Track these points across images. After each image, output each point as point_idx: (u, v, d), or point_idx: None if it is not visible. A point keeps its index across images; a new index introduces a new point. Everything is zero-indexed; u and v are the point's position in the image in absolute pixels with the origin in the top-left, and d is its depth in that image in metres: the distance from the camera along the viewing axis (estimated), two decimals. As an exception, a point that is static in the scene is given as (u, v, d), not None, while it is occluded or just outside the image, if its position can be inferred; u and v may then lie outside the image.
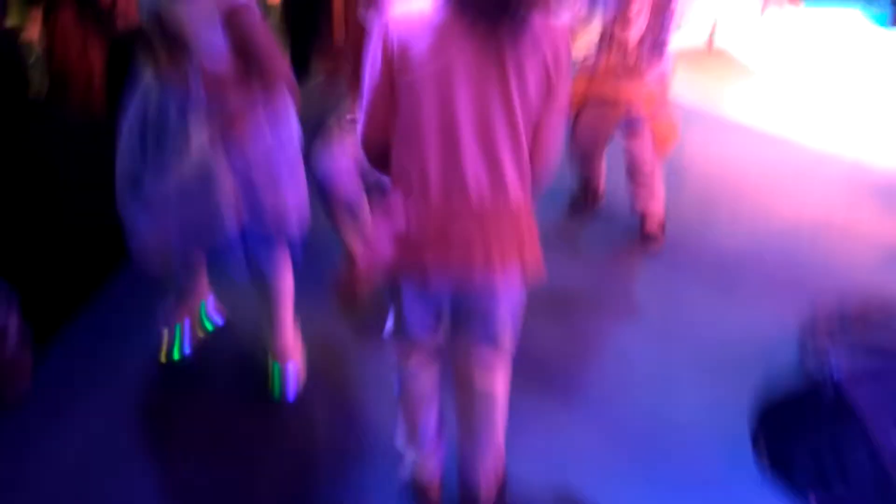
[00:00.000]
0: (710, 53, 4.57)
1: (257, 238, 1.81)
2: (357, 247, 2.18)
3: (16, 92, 2.25)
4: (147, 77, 1.66)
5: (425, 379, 1.61)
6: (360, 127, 1.38)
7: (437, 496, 1.69)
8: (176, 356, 2.10)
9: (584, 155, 2.67)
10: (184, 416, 1.95)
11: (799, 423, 1.77)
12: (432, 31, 1.24)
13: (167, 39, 1.55)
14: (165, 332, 2.10)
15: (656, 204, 2.67)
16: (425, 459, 1.67)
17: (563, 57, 1.29)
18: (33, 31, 2.24)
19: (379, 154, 1.38)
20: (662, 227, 2.71)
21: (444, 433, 1.69)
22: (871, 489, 1.61)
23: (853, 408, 1.63)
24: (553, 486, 1.78)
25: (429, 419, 1.65)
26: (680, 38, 2.47)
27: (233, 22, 1.55)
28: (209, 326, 2.20)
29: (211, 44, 1.56)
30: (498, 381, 1.57)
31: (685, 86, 3.97)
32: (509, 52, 1.25)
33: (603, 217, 2.83)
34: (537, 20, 1.26)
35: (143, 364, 2.08)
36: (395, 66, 1.26)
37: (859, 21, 4.98)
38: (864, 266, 2.63)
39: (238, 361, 2.11)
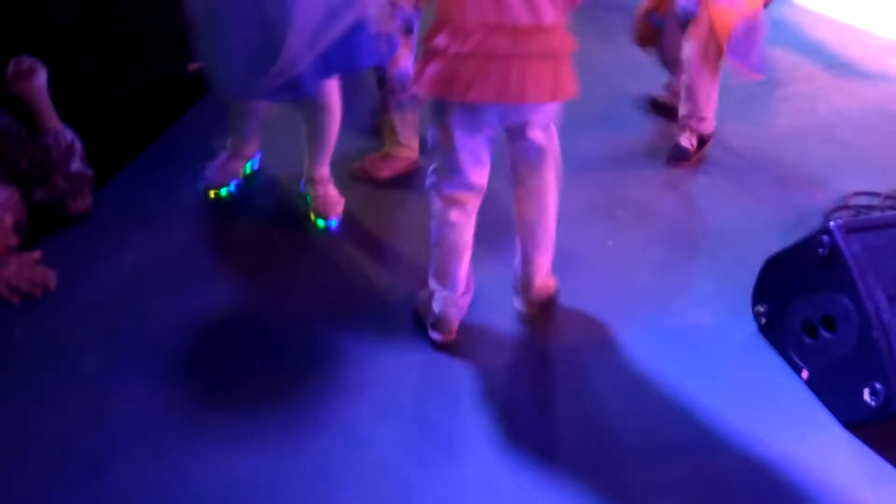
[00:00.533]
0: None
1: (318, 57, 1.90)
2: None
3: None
4: None
5: (462, 230, 1.73)
6: None
7: (455, 330, 1.82)
8: (224, 194, 2.30)
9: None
10: (228, 243, 2.16)
11: (792, 276, 1.82)
12: None
13: None
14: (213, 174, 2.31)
15: (698, 108, 2.43)
16: (455, 299, 1.80)
17: None
18: None
19: None
20: (702, 141, 2.50)
21: (473, 278, 1.84)
22: (854, 337, 1.66)
23: (843, 256, 1.67)
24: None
25: (461, 267, 1.78)
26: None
27: None
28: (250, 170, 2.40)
29: None
30: (550, 169, 1.71)
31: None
32: None
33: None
34: None
35: (196, 197, 2.29)
36: None
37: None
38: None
39: (283, 199, 2.31)
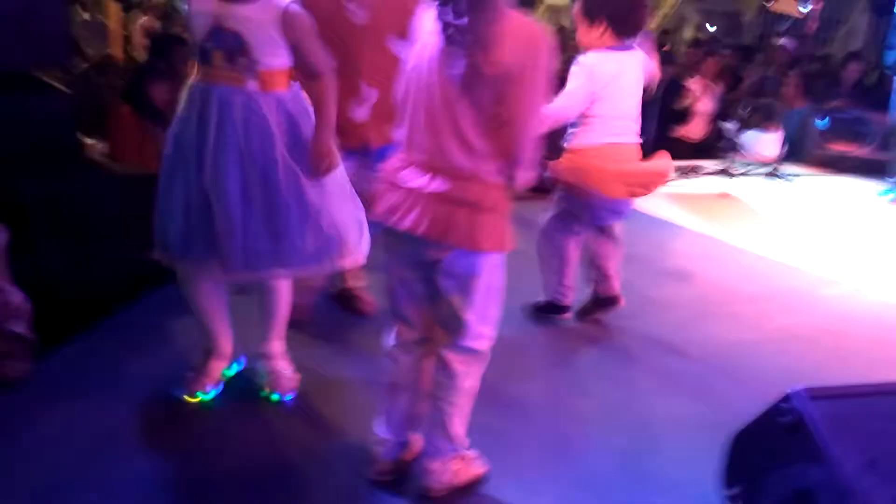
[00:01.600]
0: (721, 198, 4.82)
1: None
2: None
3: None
4: (195, 86, 1.86)
5: (402, 364, 1.73)
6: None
7: (385, 475, 1.75)
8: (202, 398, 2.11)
9: None
10: (170, 418, 2.04)
11: (761, 450, 1.75)
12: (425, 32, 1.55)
13: (226, 45, 1.80)
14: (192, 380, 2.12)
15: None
16: (385, 440, 1.75)
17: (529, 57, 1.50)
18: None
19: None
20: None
21: (417, 427, 1.77)
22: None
23: (807, 422, 1.63)
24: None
25: (399, 405, 1.74)
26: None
27: (287, 23, 1.79)
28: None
29: (269, 43, 1.80)
30: (463, 368, 1.69)
31: (694, 221, 4.22)
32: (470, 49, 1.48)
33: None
34: (507, 20, 1.48)
35: (140, 380, 2.18)
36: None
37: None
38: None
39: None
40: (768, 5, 4.90)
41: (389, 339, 1.75)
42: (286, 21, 1.79)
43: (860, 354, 2.71)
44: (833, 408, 1.65)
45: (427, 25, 1.54)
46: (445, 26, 1.47)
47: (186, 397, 2.08)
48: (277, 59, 1.83)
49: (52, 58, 2.87)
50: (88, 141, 3.57)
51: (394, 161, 1.62)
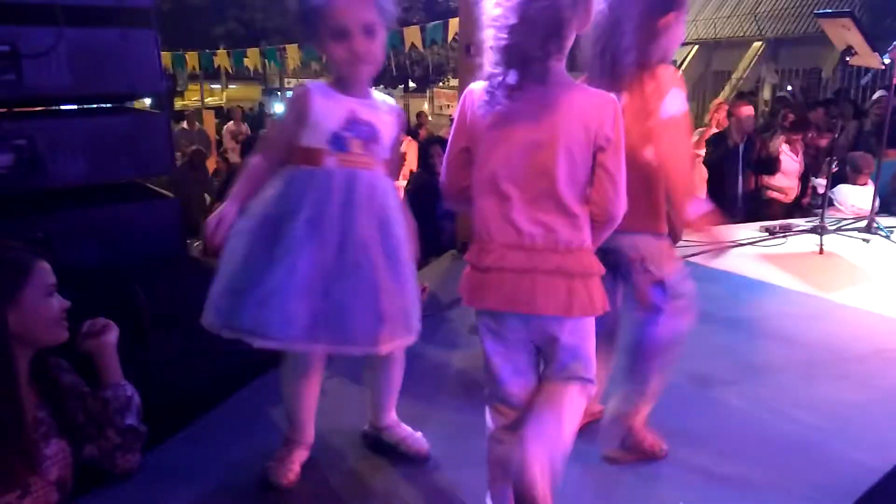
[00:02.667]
0: (816, 255, 4.64)
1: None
2: None
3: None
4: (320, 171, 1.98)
5: (508, 445, 1.66)
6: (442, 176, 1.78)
7: None
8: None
9: None
10: None
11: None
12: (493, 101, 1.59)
13: (363, 133, 2.01)
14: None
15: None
16: None
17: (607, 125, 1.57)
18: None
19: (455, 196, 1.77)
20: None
21: None
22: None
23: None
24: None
25: (507, 489, 1.68)
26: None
27: (401, 124, 2.14)
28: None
29: (389, 137, 2.06)
30: (567, 406, 1.65)
31: (790, 280, 4.06)
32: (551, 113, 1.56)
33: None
34: (577, 91, 1.58)
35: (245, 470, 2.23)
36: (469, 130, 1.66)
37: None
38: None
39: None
40: (850, 60, 4.79)
41: (491, 423, 1.73)
42: (401, 122, 2.12)
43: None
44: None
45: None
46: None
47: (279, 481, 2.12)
48: (391, 152, 2.08)
49: (157, 168, 3.12)
50: (194, 241, 3.81)
51: (485, 246, 1.64)
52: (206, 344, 2.64)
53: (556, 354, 1.64)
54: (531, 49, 1.53)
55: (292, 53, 13.38)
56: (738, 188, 6.15)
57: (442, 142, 6.04)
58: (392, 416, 2.31)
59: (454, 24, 10.38)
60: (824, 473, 2.14)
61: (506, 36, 1.53)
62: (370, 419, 2.34)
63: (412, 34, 11.75)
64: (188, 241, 3.86)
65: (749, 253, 4.66)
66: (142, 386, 2.21)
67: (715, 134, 6.53)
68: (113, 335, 2.18)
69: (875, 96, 7.36)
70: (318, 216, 1.94)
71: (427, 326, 2.13)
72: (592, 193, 1.61)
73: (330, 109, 1.98)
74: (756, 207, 6.16)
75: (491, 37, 1.57)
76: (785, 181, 6.39)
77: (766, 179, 6.29)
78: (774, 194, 6.34)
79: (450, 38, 11.13)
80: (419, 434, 2.29)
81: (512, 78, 1.54)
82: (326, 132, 1.97)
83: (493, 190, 1.60)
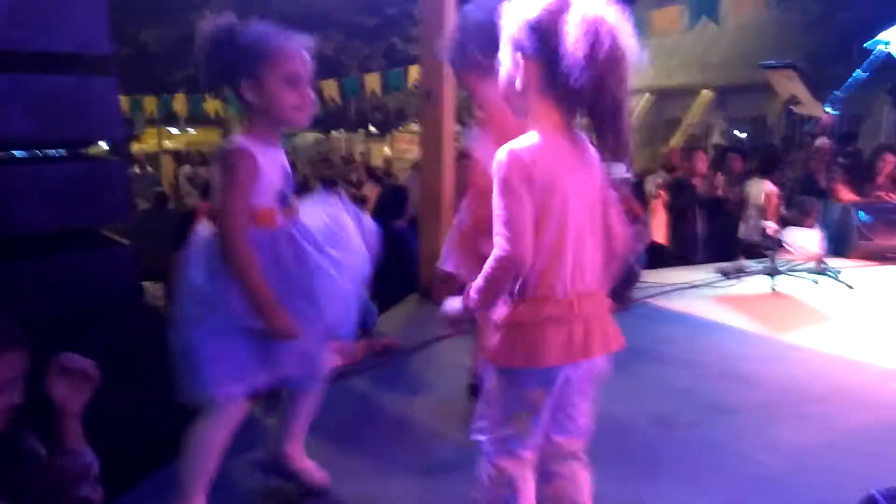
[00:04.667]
0: (772, 297, 4.75)
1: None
2: None
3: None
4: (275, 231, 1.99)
5: (527, 492, 1.68)
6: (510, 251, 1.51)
7: None
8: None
9: None
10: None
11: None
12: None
13: (293, 186, 2.04)
14: None
15: None
16: None
17: None
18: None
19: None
20: None
21: None
22: None
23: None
24: None
25: None
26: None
27: None
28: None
29: None
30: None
31: (747, 322, 4.14)
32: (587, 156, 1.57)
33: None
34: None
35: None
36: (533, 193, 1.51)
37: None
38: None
39: None
40: (794, 109, 4.99)
41: (516, 469, 1.67)
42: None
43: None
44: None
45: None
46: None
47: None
48: None
49: (114, 215, 3.06)
50: (148, 286, 3.73)
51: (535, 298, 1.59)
52: (164, 395, 2.58)
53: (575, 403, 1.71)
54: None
55: (210, 104, 13.41)
56: (698, 231, 6.35)
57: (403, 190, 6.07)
58: (298, 446, 2.25)
59: (414, 70, 10.54)
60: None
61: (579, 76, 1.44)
62: (272, 447, 2.27)
63: (372, 81, 11.90)
64: (155, 285, 3.78)
65: (706, 294, 4.75)
66: (95, 443, 2.13)
67: (675, 180, 6.72)
68: (87, 392, 2.02)
69: (816, 143, 7.65)
70: (283, 276, 1.96)
71: (391, 372, 2.11)
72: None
73: (269, 166, 1.93)
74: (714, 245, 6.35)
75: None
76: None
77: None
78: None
79: (409, 84, 11.28)
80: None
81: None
82: (274, 191, 1.95)
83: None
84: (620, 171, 1.71)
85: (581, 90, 1.43)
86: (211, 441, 2.04)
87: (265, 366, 1.98)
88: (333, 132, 20.59)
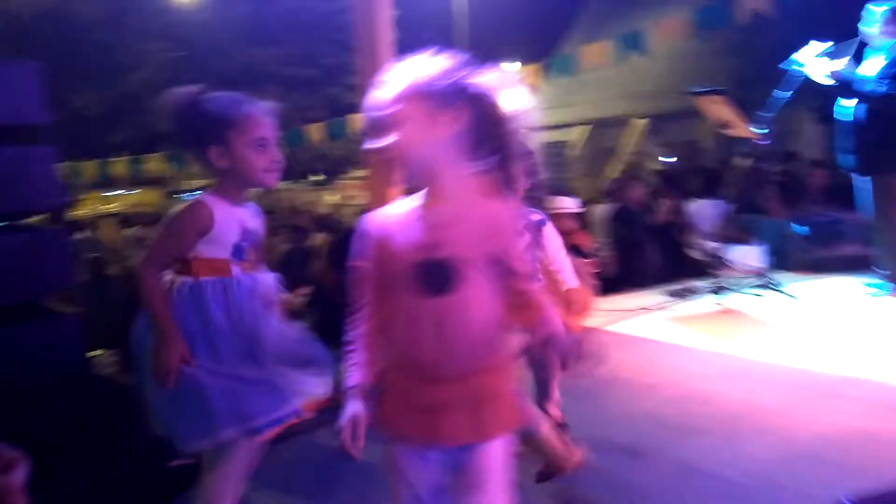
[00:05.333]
0: (722, 315, 4.86)
1: None
2: None
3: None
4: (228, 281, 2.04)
5: None
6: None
7: None
8: None
9: None
10: None
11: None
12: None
13: (252, 240, 2.12)
14: None
15: None
16: None
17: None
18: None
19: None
20: None
21: None
22: None
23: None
24: None
25: None
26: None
27: None
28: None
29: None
30: None
31: (701, 341, 4.22)
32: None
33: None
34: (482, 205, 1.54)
35: None
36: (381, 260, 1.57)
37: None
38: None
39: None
40: (725, 132, 5.18)
41: None
42: (263, 221, 2.19)
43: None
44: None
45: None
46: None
47: None
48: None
49: (56, 284, 2.98)
50: (99, 354, 3.62)
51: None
52: (113, 468, 2.50)
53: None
54: None
55: None
56: (646, 256, 6.50)
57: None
58: None
59: (354, 119, 10.60)
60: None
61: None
62: None
63: (315, 131, 11.91)
64: (104, 353, 3.66)
65: (660, 317, 4.84)
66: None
67: (620, 209, 6.88)
68: (20, 473, 1.98)
69: (748, 163, 7.94)
70: (234, 323, 2.01)
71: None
72: None
73: (227, 222, 2.05)
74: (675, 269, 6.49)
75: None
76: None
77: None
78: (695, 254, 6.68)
79: (351, 132, 11.34)
80: None
81: None
82: (229, 244, 2.06)
83: None
84: (570, 204, 1.75)
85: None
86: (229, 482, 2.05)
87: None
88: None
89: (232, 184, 2.06)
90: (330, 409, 2.01)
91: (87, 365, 3.16)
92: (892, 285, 4.98)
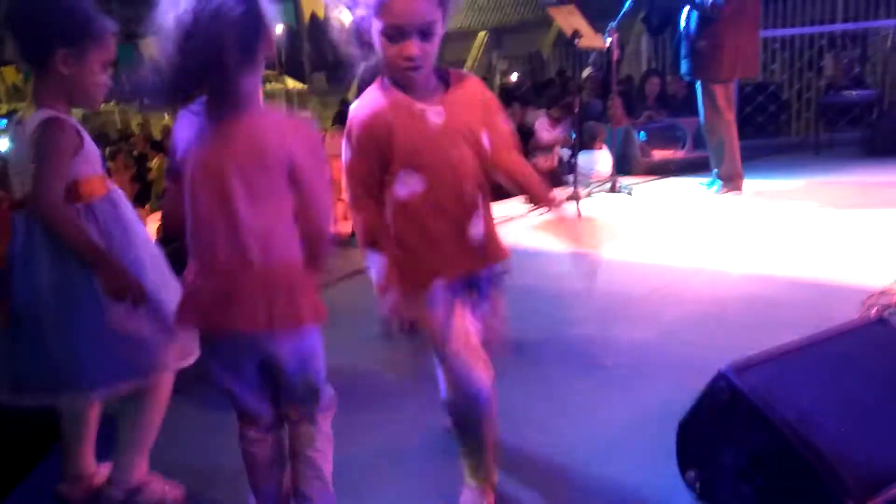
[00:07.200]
0: (582, 219, 5.16)
1: None
2: None
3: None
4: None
5: (260, 448, 1.74)
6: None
7: None
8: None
9: None
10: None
11: (709, 432, 1.90)
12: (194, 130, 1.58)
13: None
14: None
15: None
16: None
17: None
18: None
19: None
20: None
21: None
22: (786, 466, 1.71)
23: (743, 393, 1.79)
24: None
25: (269, 487, 1.76)
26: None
27: None
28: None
29: None
30: (318, 440, 1.73)
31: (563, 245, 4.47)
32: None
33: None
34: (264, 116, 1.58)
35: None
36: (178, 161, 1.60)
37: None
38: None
39: None
40: (576, 43, 5.36)
41: (243, 429, 1.74)
42: None
43: (747, 325, 3.02)
44: (759, 375, 1.83)
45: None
46: None
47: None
48: None
49: None
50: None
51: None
52: None
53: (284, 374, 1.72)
54: None
55: (9, 75, 11.88)
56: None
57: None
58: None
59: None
60: (636, 409, 2.43)
61: None
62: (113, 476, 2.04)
63: (148, 46, 10.98)
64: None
65: (521, 225, 5.06)
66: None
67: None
68: None
69: (584, 74, 8.33)
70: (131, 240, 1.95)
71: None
72: None
73: (84, 134, 1.90)
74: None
75: None
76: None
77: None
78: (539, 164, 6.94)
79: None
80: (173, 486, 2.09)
81: None
82: (97, 158, 1.93)
83: None
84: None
85: None
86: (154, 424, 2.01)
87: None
88: (104, 105, 18.74)
89: (64, 96, 1.85)
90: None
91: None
92: (720, 182, 5.52)
